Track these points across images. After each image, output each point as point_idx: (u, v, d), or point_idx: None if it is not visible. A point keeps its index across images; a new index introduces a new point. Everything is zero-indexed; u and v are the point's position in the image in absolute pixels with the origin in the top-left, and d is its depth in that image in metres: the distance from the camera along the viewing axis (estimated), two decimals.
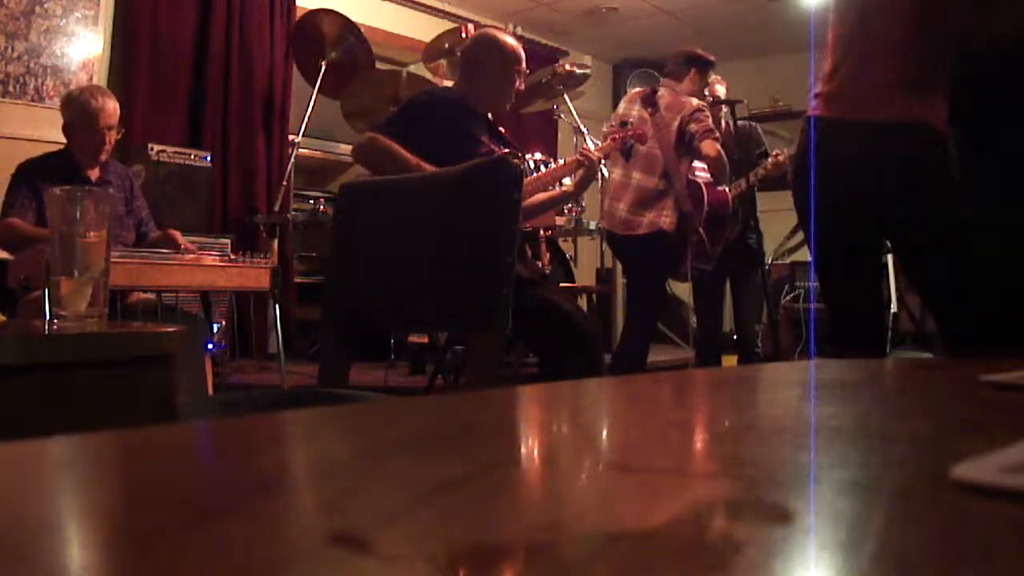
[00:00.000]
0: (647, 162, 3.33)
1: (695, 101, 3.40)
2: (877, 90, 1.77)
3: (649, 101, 3.43)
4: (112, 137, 2.90)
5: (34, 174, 2.79)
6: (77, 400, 1.01)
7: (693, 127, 3.30)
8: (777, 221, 4.67)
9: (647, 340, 3.52)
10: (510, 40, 2.60)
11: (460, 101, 2.49)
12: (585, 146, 2.90)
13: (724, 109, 3.78)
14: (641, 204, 3.33)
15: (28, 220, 2.73)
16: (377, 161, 2.32)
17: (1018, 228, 1.72)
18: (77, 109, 2.85)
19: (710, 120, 3.35)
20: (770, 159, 3.68)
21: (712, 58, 3.59)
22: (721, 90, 3.78)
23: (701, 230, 3.34)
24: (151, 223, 3.05)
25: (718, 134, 3.35)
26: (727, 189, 3.52)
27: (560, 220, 3.91)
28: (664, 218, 3.31)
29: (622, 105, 3.55)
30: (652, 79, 4.86)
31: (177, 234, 2.91)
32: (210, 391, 2.76)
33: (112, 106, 2.89)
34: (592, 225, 4.07)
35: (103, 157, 2.91)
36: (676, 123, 3.34)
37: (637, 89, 3.60)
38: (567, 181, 2.98)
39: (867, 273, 1.94)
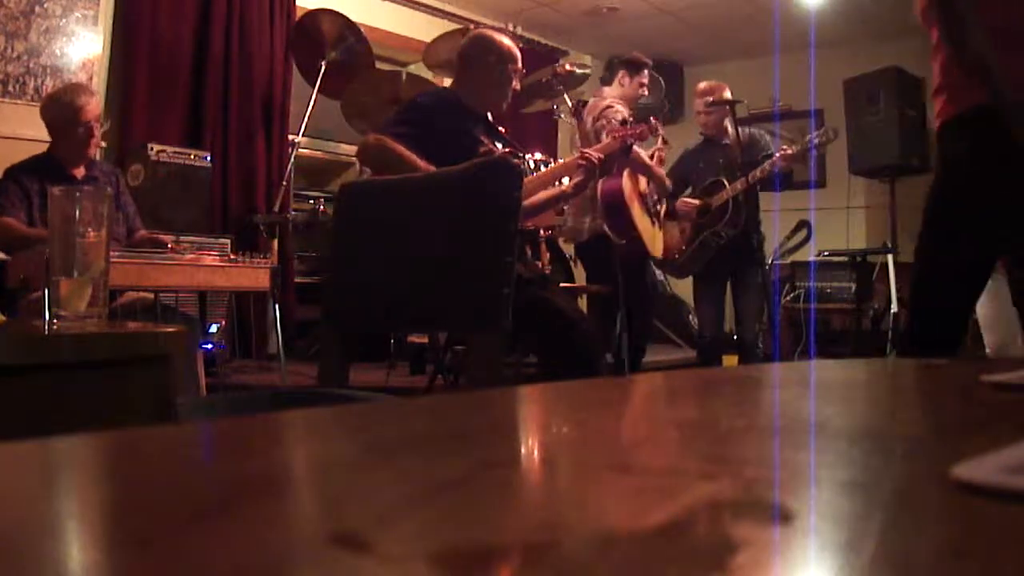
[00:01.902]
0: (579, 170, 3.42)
1: (606, 101, 3.53)
2: None
3: (578, 113, 3.62)
4: (97, 129, 2.91)
5: (21, 176, 2.81)
6: (77, 400, 1.01)
7: (600, 123, 3.42)
8: (777, 221, 4.67)
9: (640, 341, 3.58)
10: (505, 40, 2.60)
11: (458, 101, 2.50)
12: (584, 152, 2.92)
13: (727, 115, 3.78)
14: (581, 211, 3.43)
15: (20, 221, 2.74)
16: (384, 164, 2.32)
17: None
18: (60, 106, 2.87)
19: (618, 115, 3.43)
20: (777, 155, 3.69)
21: (644, 60, 3.70)
22: (727, 94, 3.80)
23: (607, 227, 3.41)
24: (138, 220, 3.06)
25: (624, 125, 3.45)
26: (623, 176, 3.51)
27: (560, 220, 3.93)
28: (598, 220, 3.43)
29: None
30: (652, 79, 4.86)
31: (161, 237, 2.95)
32: (203, 390, 2.77)
33: (94, 100, 2.94)
34: None
35: (91, 151, 2.92)
36: (591, 124, 3.48)
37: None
38: (565, 180, 2.99)
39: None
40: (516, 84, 2.57)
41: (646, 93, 3.74)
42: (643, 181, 3.55)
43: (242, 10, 4.55)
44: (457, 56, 2.67)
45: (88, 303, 1.16)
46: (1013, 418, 0.47)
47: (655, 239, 3.61)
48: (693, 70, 6.60)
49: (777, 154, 3.68)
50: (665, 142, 3.64)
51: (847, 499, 0.28)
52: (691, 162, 3.99)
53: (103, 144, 3.27)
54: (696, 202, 3.82)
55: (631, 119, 3.57)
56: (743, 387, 0.68)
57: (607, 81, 3.73)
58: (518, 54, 2.57)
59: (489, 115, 2.59)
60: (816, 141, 3.76)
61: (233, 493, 0.29)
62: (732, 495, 0.29)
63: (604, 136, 3.36)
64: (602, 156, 2.79)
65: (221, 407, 1.42)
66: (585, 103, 3.69)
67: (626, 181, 3.42)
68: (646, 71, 3.69)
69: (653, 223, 3.60)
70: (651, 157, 3.55)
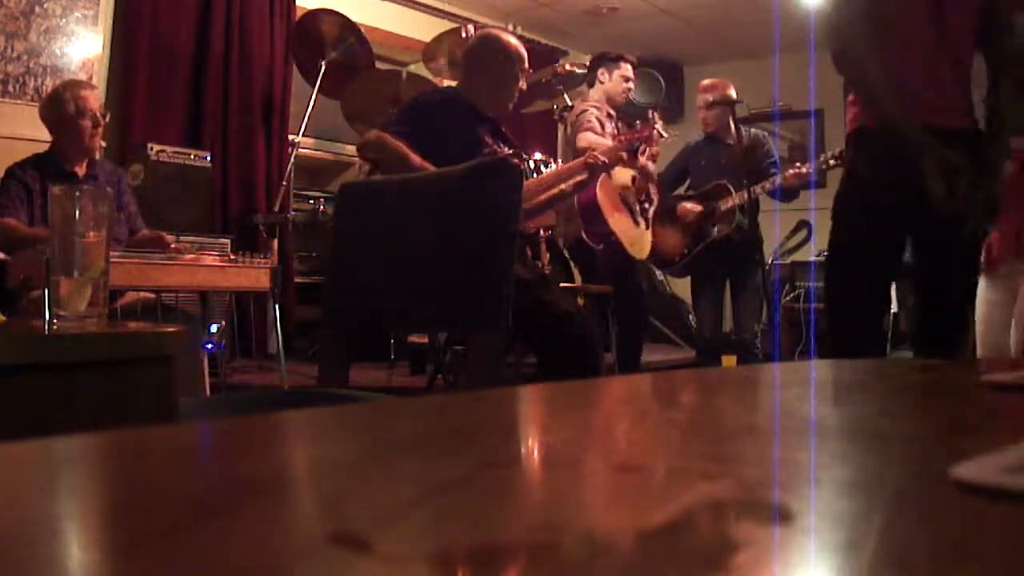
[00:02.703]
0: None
1: (583, 105, 3.58)
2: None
3: (562, 118, 3.66)
4: (101, 121, 2.91)
5: (22, 173, 2.81)
6: (77, 400, 1.01)
7: (577, 129, 3.47)
8: (777, 221, 4.67)
9: (635, 340, 3.60)
10: (513, 40, 2.60)
11: (463, 101, 2.49)
12: (591, 152, 2.91)
13: (729, 113, 3.78)
14: (564, 217, 3.47)
15: (21, 221, 2.74)
16: (383, 159, 2.33)
17: None
18: (62, 101, 2.87)
19: (592, 119, 3.47)
20: (791, 172, 3.70)
21: (619, 53, 3.69)
22: (730, 92, 3.80)
23: (584, 233, 3.44)
24: (139, 220, 3.05)
25: (595, 125, 3.48)
26: (597, 182, 3.53)
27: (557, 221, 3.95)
28: (576, 225, 3.46)
29: None
30: (652, 79, 4.86)
31: (164, 235, 2.93)
32: (207, 391, 2.76)
33: (95, 93, 2.96)
34: None
35: (96, 144, 2.92)
36: (570, 130, 3.55)
37: None
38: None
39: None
40: (522, 84, 2.58)
41: (631, 87, 3.74)
42: (626, 180, 3.55)
43: (242, 10, 4.55)
44: (463, 56, 2.67)
45: (88, 303, 1.15)
46: (1013, 418, 0.47)
47: (639, 241, 3.58)
48: (693, 70, 6.60)
49: (791, 171, 3.69)
50: (661, 135, 3.63)
51: (847, 499, 0.28)
52: (692, 158, 3.99)
53: (103, 144, 3.27)
54: (698, 208, 3.83)
55: (613, 114, 3.59)
56: (743, 387, 0.68)
57: (591, 83, 3.74)
58: (525, 54, 2.57)
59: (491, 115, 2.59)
60: (829, 164, 3.76)
61: (233, 493, 0.29)
62: (732, 495, 0.29)
63: (575, 136, 3.41)
64: (608, 160, 2.81)
65: (221, 407, 1.43)
66: (570, 108, 3.71)
67: (600, 187, 3.43)
68: (623, 64, 3.69)
69: (637, 225, 3.58)
70: (643, 154, 3.54)
